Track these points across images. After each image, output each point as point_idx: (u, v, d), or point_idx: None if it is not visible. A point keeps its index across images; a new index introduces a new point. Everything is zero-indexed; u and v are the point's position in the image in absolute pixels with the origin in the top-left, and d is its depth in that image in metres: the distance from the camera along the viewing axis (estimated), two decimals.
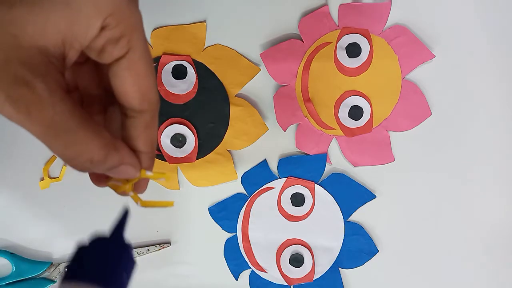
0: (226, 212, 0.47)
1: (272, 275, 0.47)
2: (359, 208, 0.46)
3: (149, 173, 0.25)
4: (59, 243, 0.48)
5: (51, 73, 0.20)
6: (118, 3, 0.20)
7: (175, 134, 0.46)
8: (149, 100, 0.22)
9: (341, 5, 0.46)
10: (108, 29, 0.20)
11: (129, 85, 0.21)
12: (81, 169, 0.21)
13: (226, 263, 0.47)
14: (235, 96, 0.47)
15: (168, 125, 0.47)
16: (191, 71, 0.47)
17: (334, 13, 0.46)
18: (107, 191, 0.47)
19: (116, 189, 0.26)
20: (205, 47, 0.47)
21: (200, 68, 0.47)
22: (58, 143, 0.20)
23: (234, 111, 0.47)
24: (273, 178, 0.47)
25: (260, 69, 0.47)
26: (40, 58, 0.19)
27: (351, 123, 0.46)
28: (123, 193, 0.25)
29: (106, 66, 0.22)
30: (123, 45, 0.21)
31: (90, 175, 0.26)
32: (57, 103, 0.19)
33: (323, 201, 0.47)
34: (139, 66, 0.21)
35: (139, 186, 0.26)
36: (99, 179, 0.26)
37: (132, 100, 0.22)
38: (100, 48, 0.21)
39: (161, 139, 0.47)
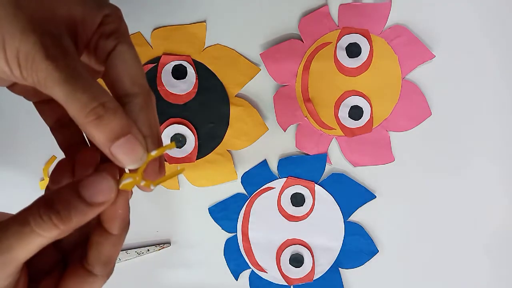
0: (226, 212, 0.47)
1: (272, 275, 0.47)
2: (359, 208, 0.46)
3: (153, 152, 0.25)
4: None
5: (72, 38, 0.24)
6: (113, 7, 0.25)
7: (175, 134, 0.47)
8: (139, 83, 0.25)
9: (341, 5, 0.46)
10: (104, 24, 0.25)
11: (120, 71, 0.24)
12: (94, 114, 0.23)
13: (226, 263, 0.47)
14: (235, 96, 0.47)
15: (168, 125, 0.47)
16: (191, 71, 0.47)
17: (334, 13, 0.46)
18: None
19: (128, 186, 0.25)
20: (205, 47, 0.47)
21: (200, 68, 0.47)
22: (78, 86, 0.22)
23: (234, 111, 0.47)
24: (273, 178, 0.47)
25: (260, 69, 0.47)
26: (67, 27, 0.24)
27: (351, 123, 0.46)
28: (138, 186, 0.26)
29: (103, 65, 0.25)
30: (112, 40, 0.25)
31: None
32: (76, 57, 0.23)
33: (323, 201, 0.47)
34: (127, 56, 0.25)
35: (149, 174, 0.27)
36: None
37: (124, 85, 0.25)
38: (95, 44, 0.25)
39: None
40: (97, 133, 0.23)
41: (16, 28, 0.22)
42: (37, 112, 0.49)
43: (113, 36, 0.25)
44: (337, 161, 0.47)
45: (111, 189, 0.24)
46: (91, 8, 0.24)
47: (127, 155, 0.24)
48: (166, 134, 0.47)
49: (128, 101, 0.25)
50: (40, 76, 0.22)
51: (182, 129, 0.47)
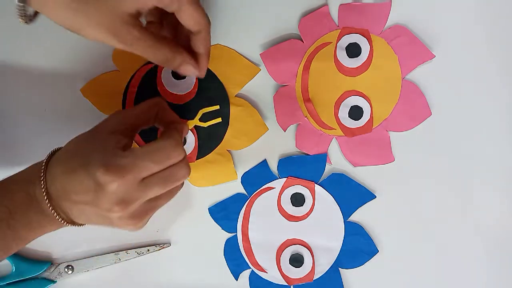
0: (226, 212, 0.47)
1: (272, 275, 0.47)
2: (359, 208, 0.46)
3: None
4: (59, 243, 0.47)
5: (138, 24, 0.35)
6: None
7: None
8: (201, 24, 0.37)
9: (341, 5, 0.46)
10: None
11: (188, 19, 0.36)
12: (163, 62, 0.37)
13: (226, 263, 0.47)
14: (235, 96, 0.47)
15: None
16: None
17: (334, 13, 0.46)
18: None
19: None
20: None
21: None
22: (149, 51, 0.36)
23: (234, 111, 0.47)
24: (273, 178, 0.47)
25: (260, 69, 0.47)
26: (131, 19, 0.34)
27: (351, 123, 0.46)
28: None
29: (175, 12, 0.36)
30: (177, 2, 0.35)
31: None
32: (143, 37, 0.35)
33: (323, 201, 0.47)
34: (191, 8, 0.35)
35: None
36: None
37: (191, 26, 0.37)
38: (164, 3, 0.35)
39: None
40: (168, 67, 0.39)
41: (102, 33, 0.34)
42: (37, 112, 0.49)
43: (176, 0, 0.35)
44: (337, 161, 0.47)
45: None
46: None
47: (187, 72, 0.39)
48: None
49: (196, 33, 0.37)
50: (133, 49, 0.36)
51: None
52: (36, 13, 0.36)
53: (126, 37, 0.34)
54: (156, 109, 0.41)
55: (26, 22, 0.35)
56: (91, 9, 0.33)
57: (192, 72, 0.39)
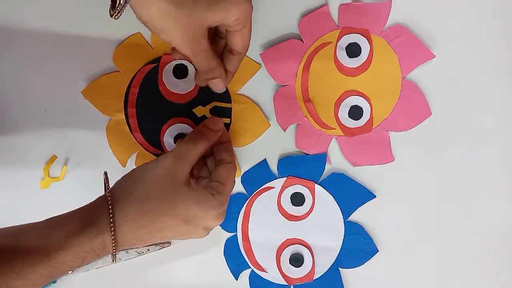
0: (226, 212, 0.47)
1: (272, 275, 0.47)
2: (359, 208, 0.46)
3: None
4: None
5: (207, 37, 0.39)
6: (247, 10, 0.38)
7: (178, 134, 0.47)
8: (245, 49, 0.42)
9: (341, 5, 0.46)
10: (238, 20, 0.38)
11: (238, 41, 0.41)
12: (206, 71, 0.41)
13: (226, 263, 0.47)
14: (237, 93, 0.47)
15: (171, 125, 0.47)
16: (192, 70, 0.47)
17: (334, 13, 0.46)
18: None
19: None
20: None
21: None
22: (204, 61, 0.40)
23: (236, 108, 0.47)
24: (273, 178, 0.47)
25: (261, 66, 0.47)
26: (206, 31, 0.38)
27: (351, 123, 0.46)
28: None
29: (229, 31, 0.41)
30: (241, 26, 0.39)
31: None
32: (207, 48, 0.39)
33: (323, 201, 0.47)
34: (245, 34, 0.40)
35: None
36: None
37: (237, 48, 0.41)
38: (230, 26, 0.39)
39: (164, 139, 0.47)
40: (206, 78, 0.42)
41: (182, 39, 0.37)
42: (38, 114, 0.49)
43: (241, 24, 0.39)
44: (337, 161, 0.47)
45: (221, 123, 0.43)
46: (229, 14, 0.37)
47: (217, 85, 0.42)
48: (169, 134, 0.47)
49: (235, 54, 0.41)
50: (191, 57, 0.39)
51: (185, 128, 0.47)
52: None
53: (197, 47, 0.38)
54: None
55: (116, 18, 0.36)
56: (183, 18, 0.36)
57: (220, 88, 0.42)
